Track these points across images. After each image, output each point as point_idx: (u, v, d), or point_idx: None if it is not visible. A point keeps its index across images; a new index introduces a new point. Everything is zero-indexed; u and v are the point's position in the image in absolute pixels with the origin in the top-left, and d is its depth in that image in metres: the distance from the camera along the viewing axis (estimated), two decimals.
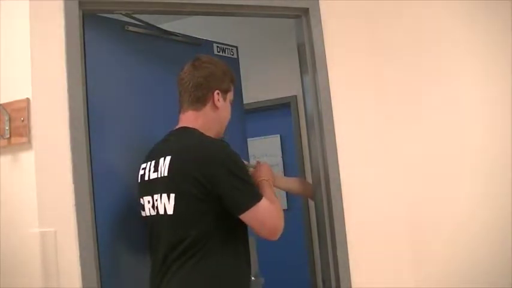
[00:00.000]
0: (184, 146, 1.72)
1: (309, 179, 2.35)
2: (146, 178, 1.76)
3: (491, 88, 2.25)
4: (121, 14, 2.05)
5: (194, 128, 1.77)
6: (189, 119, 1.79)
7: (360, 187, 2.16)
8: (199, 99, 1.79)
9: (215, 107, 1.81)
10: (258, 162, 2.01)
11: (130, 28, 2.11)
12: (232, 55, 2.58)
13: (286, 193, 3.51)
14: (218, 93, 1.81)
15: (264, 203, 1.66)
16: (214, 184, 1.61)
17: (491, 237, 2.16)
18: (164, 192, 1.68)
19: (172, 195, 1.66)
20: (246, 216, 1.64)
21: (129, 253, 1.96)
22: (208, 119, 1.80)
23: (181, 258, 1.63)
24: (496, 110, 2.23)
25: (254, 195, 1.67)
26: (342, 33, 2.24)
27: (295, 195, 3.57)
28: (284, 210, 4.08)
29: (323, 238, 2.14)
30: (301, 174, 3.77)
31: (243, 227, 1.71)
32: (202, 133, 1.75)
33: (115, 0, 1.96)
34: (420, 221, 2.19)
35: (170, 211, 1.66)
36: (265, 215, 1.66)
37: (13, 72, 1.79)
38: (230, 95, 1.88)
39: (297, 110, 3.81)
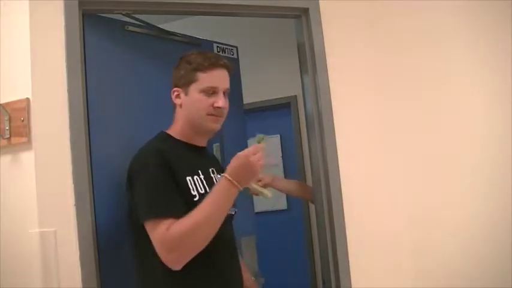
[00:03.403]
0: None
1: (309, 179, 2.35)
2: None
3: (492, 88, 2.25)
4: (121, 14, 2.05)
5: (164, 132, 1.75)
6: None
7: (360, 187, 2.16)
8: (172, 102, 1.77)
9: (178, 106, 1.74)
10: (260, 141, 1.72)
11: (130, 28, 2.11)
12: (232, 55, 2.57)
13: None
14: (175, 91, 1.74)
15: (158, 227, 1.47)
16: (131, 192, 1.61)
17: (491, 237, 2.16)
18: None
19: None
20: (147, 230, 1.52)
21: (129, 253, 1.95)
22: (181, 119, 1.74)
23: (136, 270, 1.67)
24: (496, 111, 2.23)
25: (152, 210, 1.52)
26: (342, 33, 2.24)
27: (294, 197, 3.58)
28: (284, 210, 4.12)
29: (323, 238, 2.14)
30: (301, 174, 3.77)
31: None
32: (155, 138, 1.72)
33: (115, 0, 1.97)
34: (420, 220, 2.19)
35: None
36: (155, 240, 1.49)
37: (13, 72, 1.79)
38: (198, 85, 1.69)
39: (297, 110, 3.81)
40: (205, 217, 1.48)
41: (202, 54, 1.73)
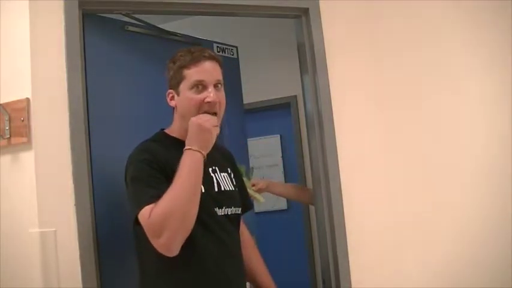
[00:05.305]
0: None
1: (309, 179, 2.35)
2: None
3: (492, 89, 2.26)
4: (121, 14, 2.05)
5: (162, 130, 1.73)
6: None
7: (360, 187, 2.16)
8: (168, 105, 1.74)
9: (174, 107, 1.70)
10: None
11: (130, 28, 2.11)
12: (232, 55, 2.58)
13: None
14: (169, 93, 1.69)
15: (143, 217, 1.46)
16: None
17: (491, 238, 2.16)
18: None
19: None
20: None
21: (129, 253, 1.95)
22: (177, 120, 1.70)
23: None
24: (496, 112, 2.24)
25: (137, 202, 1.50)
26: (342, 33, 2.24)
27: (291, 200, 3.59)
28: (284, 210, 4.12)
29: (323, 238, 2.14)
30: (301, 174, 3.77)
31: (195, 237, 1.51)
32: (150, 137, 1.70)
33: (115, 0, 1.97)
34: (420, 221, 2.19)
35: None
36: (145, 230, 1.48)
37: (13, 72, 1.79)
38: (186, 82, 1.62)
39: (297, 110, 3.81)
40: (179, 191, 1.46)
41: (187, 50, 1.65)
